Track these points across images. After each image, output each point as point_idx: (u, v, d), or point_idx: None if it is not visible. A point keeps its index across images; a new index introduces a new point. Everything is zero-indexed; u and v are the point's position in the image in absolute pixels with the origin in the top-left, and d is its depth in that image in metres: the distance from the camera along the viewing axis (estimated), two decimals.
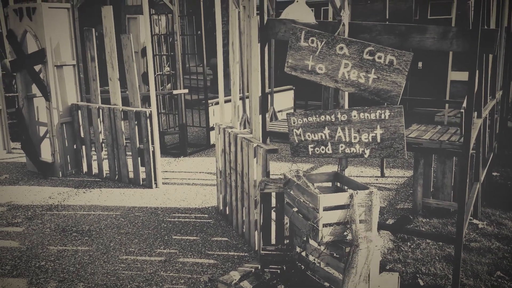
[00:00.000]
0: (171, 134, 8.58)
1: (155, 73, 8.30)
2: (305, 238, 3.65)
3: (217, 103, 8.88)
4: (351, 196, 3.25)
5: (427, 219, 5.30)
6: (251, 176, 4.50)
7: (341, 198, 3.25)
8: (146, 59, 9.67)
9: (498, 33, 3.47)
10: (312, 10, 13.70)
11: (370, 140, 3.83)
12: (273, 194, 4.16)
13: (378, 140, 3.80)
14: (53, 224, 5.35)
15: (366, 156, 3.91)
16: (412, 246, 4.67)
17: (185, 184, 6.73)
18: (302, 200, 3.39)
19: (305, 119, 4.13)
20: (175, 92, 7.93)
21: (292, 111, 11.50)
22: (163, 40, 8.51)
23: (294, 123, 4.19)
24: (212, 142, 8.84)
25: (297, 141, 4.20)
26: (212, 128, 8.78)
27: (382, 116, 3.76)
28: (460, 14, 11.08)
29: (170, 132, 8.42)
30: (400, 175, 7.01)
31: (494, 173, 6.70)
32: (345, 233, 3.28)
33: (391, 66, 3.67)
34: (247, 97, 9.63)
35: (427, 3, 12.11)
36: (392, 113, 3.71)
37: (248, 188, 4.61)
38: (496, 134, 6.75)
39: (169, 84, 9.41)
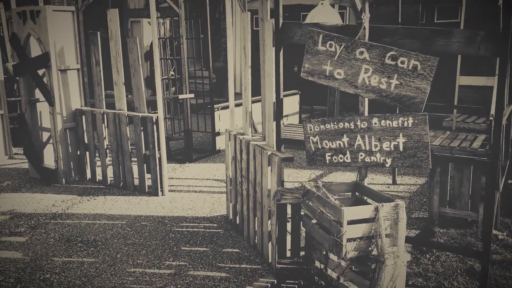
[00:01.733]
0: (176, 140, 8.41)
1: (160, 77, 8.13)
2: (324, 252, 3.47)
3: (223, 108, 8.71)
4: (377, 209, 3.08)
5: (445, 230, 5.12)
6: (264, 185, 4.32)
7: (366, 211, 3.08)
8: (149, 63, 9.55)
9: None
10: (306, 14, 13.57)
11: (392, 148, 3.66)
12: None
13: (401, 149, 3.62)
14: (57, 233, 5.16)
15: (387, 165, 3.73)
16: (431, 259, 4.49)
17: (192, 192, 6.54)
18: (324, 213, 3.21)
19: (322, 126, 3.96)
20: (181, 96, 7.76)
21: (297, 116, 11.34)
22: (168, 43, 8.35)
23: (310, 130, 4.02)
24: (218, 148, 8.66)
25: (313, 149, 4.03)
26: (218, 134, 8.61)
27: (405, 124, 3.59)
28: (468, 17, 10.93)
29: (175, 137, 8.24)
30: (412, 183, 6.83)
31: (510, 181, 6.52)
32: (370, 248, 3.10)
33: (415, 71, 3.51)
34: (254, 102, 9.46)
35: (433, 7, 11.96)
36: (416, 121, 3.54)
37: (261, 197, 4.43)
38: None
39: (173, 88, 9.25)
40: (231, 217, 5.34)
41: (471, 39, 3.42)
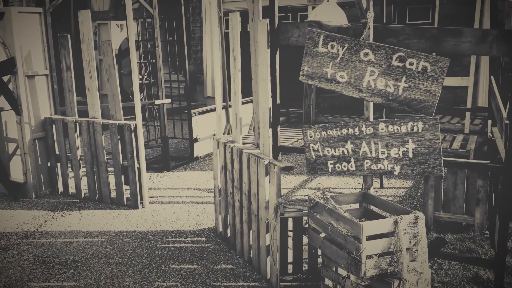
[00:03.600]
0: (153, 148, 8.01)
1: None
2: (334, 269, 3.22)
3: (200, 113, 8.38)
4: (396, 222, 2.85)
5: (441, 235, 4.97)
6: (261, 197, 4.04)
7: (385, 225, 2.85)
8: (118, 67, 9.11)
9: None
10: (288, 15, 13.40)
11: (401, 155, 3.45)
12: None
13: (410, 156, 3.42)
14: (31, 255, 4.72)
15: (396, 173, 3.52)
16: (434, 267, 4.32)
17: (174, 203, 6.19)
18: (337, 228, 2.96)
19: (323, 133, 3.72)
20: (157, 102, 7.38)
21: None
22: (141, 46, 7.94)
23: (310, 137, 3.77)
24: (196, 155, 8.31)
25: (314, 157, 3.78)
26: (196, 140, 8.27)
27: (415, 129, 3.39)
28: (440, 18, 10.98)
29: (152, 145, 7.84)
30: (400, 186, 6.70)
31: None
32: (390, 266, 2.87)
33: (425, 73, 3.31)
34: (230, 106, 9.17)
35: (405, 8, 11.99)
36: (426, 126, 3.35)
37: (257, 209, 4.15)
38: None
39: (141, 95, 8.84)
40: (220, 229, 5.03)
41: (483, 39, 3.26)
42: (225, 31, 14.28)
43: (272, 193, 3.85)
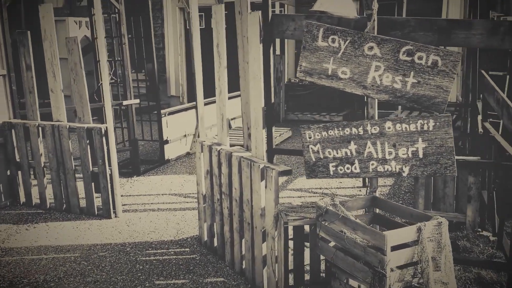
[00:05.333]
0: (120, 152, 7.52)
1: (100, 82, 7.21)
2: (345, 281, 2.97)
3: (170, 113, 7.96)
4: (419, 230, 2.62)
5: None
6: (255, 204, 3.74)
7: (408, 233, 2.61)
8: None
9: None
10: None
11: (410, 155, 3.23)
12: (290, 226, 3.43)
13: (420, 156, 3.21)
14: None
15: (404, 174, 3.30)
16: None
17: (150, 211, 5.78)
18: (357, 239, 2.70)
19: (324, 133, 3.45)
20: (125, 102, 6.92)
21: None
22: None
23: (310, 138, 3.50)
24: (167, 157, 7.89)
25: (314, 159, 3.51)
26: (167, 142, 7.84)
27: (425, 127, 3.18)
28: (407, 15, 11.00)
29: (119, 148, 7.35)
30: (382, 184, 6.56)
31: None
32: (414, 277, 2.64)
33: (435, 68, 3.10)
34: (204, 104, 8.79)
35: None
36: (437, 123, 3.14)
37: (250, 217, 3.84)
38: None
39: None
40: (205, 239, 4.69)
41: (494, 31, 3.09)
42: (188, 27, 13.84)
43: (270, 200, 3.56)
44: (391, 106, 11.13)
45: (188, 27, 13.84)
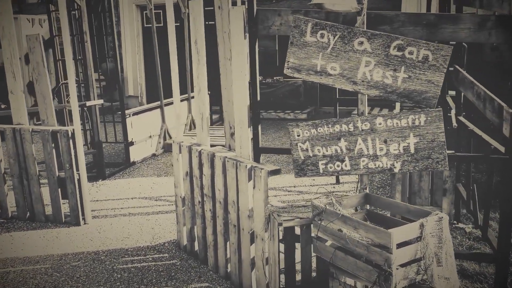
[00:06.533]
0: (85, 154, 7.17)
1: (60, 82, 6.85)
2: (343, 280, 2.90)
3: (135, 114, 7.69)
4: (422, 226, 2.59)
5: None
6: (242, 205, 3.62)
7: (412, 230, 2.57)
8: (30, 66, 8.11)
9: None
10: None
11: (402, 151, 3.21)
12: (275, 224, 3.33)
13: (412, 151, 3.19)
14: None
15: (396, 170, 3.28)
16: None
17: (120, 216, 5.53)
18: (359, 237, 2.64)
19: (313, 131, 3.38)
20: (88, 103, 6.60)
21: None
22: (57, 42, 7.05)
23: (298, 136, 3.41)
24: (132, 160, 7.61)
25: (302, 158, 3.43)
26: (132, 143, 7.57)
27: (416, 122, 3.16)
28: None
29: (85, 152, 7.01)
30: (355, 180, 6.58)
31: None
32: (418, 274, 2.60)
33: (426, 62, 3.09)
34: (166, 105, 8.58)
35: None
36: (429, 118, 3.13)
37: (237, 219, 3.72)
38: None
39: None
40: (185, 243, 4.51)
41: (482, 25, 3.12)
42: (146, 25, 13.48)
43: (259, 200, 3.44)
44: (353, 103, 11.26)
45: (146, 25, 13.48)
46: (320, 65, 3.29)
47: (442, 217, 2.66)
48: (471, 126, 4.40)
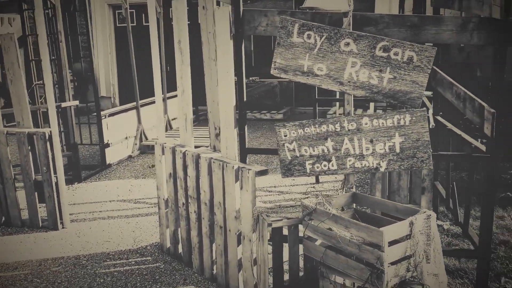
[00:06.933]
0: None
1: (33, 83, 6.67)
2: (333, 279, 2.93)
3: (111, 115, 7.57)
4: (411, 224, 2.64)
5: None
6: (229, 206, 3.60)
7: (402, 228, 2.62)
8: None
9: None
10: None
11: (387, 150, 3.27)
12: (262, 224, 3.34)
13: (397, 150, 3.25)
14: None
15: (382, 169, 3.34)
16: None
17: (99, 219, 5.43)
18: (350, 236, 2.67)
19: (300, 131, 3.40)
20: (64, 104, 6.45)
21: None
22: (30, 41, 6.86)
23: (285, 136, 3.43)
24: (108, 162, 7.48)
25: (290, 158, 3.45)
26: (108, 145, 7.44)
27: (402, 122, 3.22)
28: None
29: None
30: (333, 179, 6.65)
31: None
32: (408, 271, 2.65)
33: (411, 63, 3.15)
34: (142, 105, 8.47)
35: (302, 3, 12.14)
36: (413, 118, 3.20)
37: (223, 220, 3.70)
38: None
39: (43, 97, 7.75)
40: (168, 245, 4.47)
41: (464, 27, 3.19)
42: (119, 24, 13.28)
43: (246, 201, 3.44)
44: (328, 103, 11.37)
45: (118, 25, 13.28)
46: (307, 66, 3.31)
47: (430, 215, 2.72)
48: (449, 125, 4.51)
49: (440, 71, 4.52)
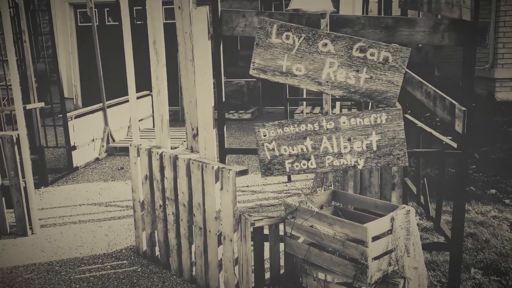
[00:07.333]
0: None
1: None
2: (315, 275, 2.98)
3: (77, 116, 7.39)
4: (392, 219, 2.72)
5: None
6: (209, 207, 3.60)
7: (384, 223, 2.70)
8: None
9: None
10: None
11: (365, 148, 3.35)
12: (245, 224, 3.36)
13: (374, 148, 3.34)
14: None
15: (359, 167, 3.43)
16: None
17: (70, 224, 5.30)
18: (333, 233, 2.72)
19: (279, 130, 3.44)
20: (29, 106, 6.26)
21: (151, 119, 10.37)
22: None
23: (264, 136, 3.46)
24: (75, 165, 7.31)
25: (269, 157, 3.48)
26: (75, 148, 7.27)
27: (378, 121, 3.31)
28: None
29: None
30: (305, 178, 6.74)
31: None
32: (389, 265, 2.73)
33: (386, 63, 3.24)
34: (109, 107, 8.32)
35: (270, 3, 12.24)
36: (389, 117, 3.29)
37: (203, 221, 3.70)
38: None
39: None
40: (145, 248, 4.42)
41: (435, 28, 3.31)
42: (80, 24, 12.98)
43: (227, 202, 3.45)
44: (295, 102, 11.50)
45: (80, 24, 12.97)
46: (285, 66, 3.35)
47: (409, 210, 2.81)
48: (419, 123, 4.66)
49: (409, 71, 4.66)
